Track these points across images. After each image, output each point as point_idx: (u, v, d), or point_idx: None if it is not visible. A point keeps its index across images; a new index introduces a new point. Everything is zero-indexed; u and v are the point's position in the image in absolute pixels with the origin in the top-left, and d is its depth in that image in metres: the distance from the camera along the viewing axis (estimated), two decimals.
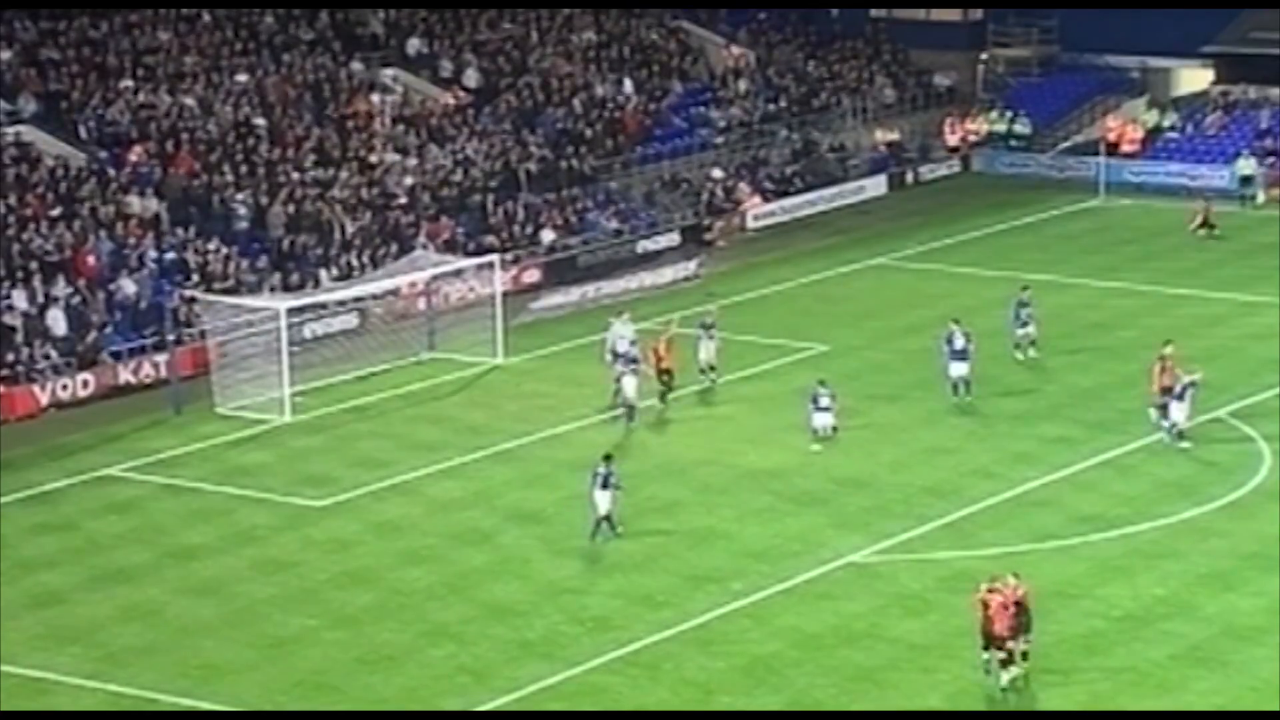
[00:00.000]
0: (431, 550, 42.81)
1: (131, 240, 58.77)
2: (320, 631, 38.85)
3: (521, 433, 49.95)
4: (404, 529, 44.06)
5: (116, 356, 54.63)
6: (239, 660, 37.55)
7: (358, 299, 57.93)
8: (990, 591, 35.22)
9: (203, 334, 54.77)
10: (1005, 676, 35.13)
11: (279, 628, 39.01)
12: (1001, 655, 35.04)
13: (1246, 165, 72.91)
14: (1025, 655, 35.48)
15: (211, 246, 59.49)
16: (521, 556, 42.44)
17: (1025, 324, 54.62)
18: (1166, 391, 47.63)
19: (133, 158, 62.30)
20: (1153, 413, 48.07)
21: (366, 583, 41.12)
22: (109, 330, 55.53)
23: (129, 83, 65.82)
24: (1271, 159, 75.29)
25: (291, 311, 53.22)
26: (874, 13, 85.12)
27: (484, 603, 40.00)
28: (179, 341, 54.93)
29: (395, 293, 58.73)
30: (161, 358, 54.48)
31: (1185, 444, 47.21)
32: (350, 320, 58.20)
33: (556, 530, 43.72)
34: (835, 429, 48.30)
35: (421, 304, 58.76)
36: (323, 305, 57.10)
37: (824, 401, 48.19)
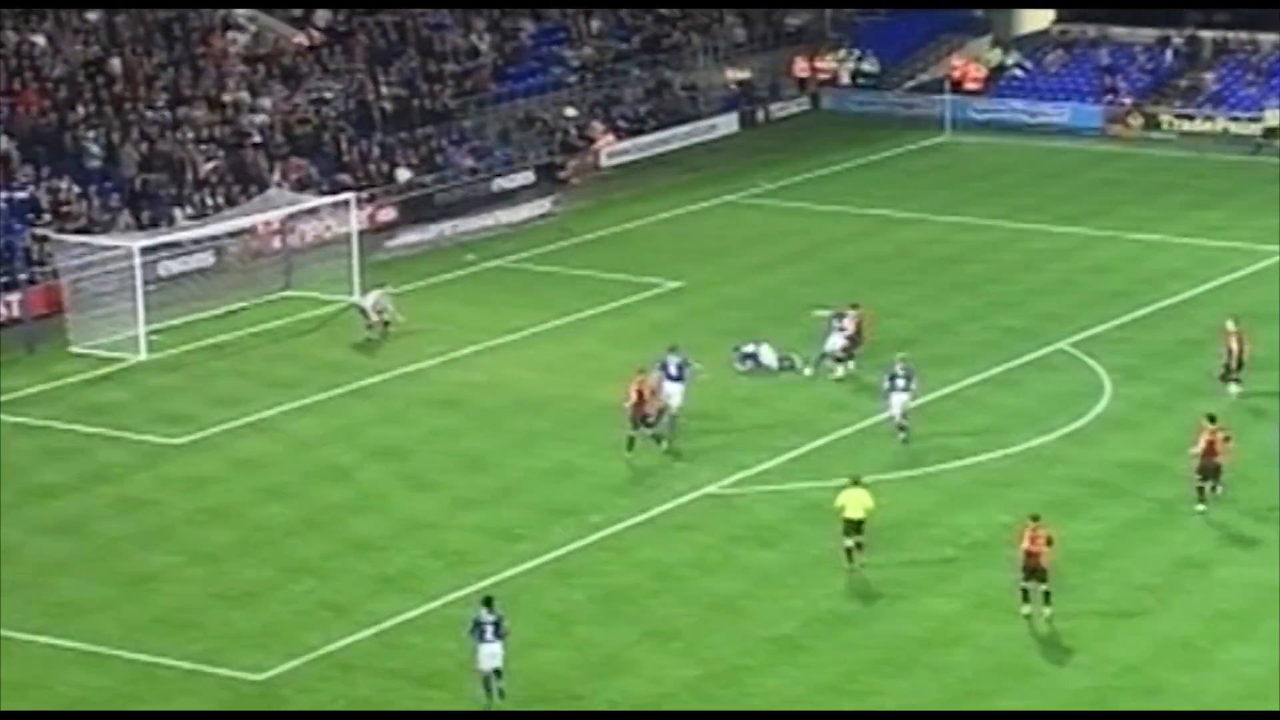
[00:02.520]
0: (290, 486, 43.09)
1: None
2: (179, 568, 39.05)
3: (380, 369, 50.28)
4: (263, 466, 44.27)
5: None
6: (98, 598, 37.68)
7: (213, 237, 57.86)
8: (1035, 530, 36.03)
9: (55, 273, 54.51)
10: (1048, 611, 35.95)
11: (138, 565, 39.17)
12: (1045, 588, 35.93)
13: (1274, 116, 72.48)
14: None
15: (63, 185, 59.11)
16: (380, 492, 42.83)
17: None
18: (1232, 370, 46.55)
19: None
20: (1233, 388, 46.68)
21: (225, 519, 41.34)
22: None
23: None
24: (1110, 96, 76.89)
25: (146, 250, 53.11)
26: None
27: (344, 538, 40.38)
28: (31, 281, 54.71)
29: (251, 231, 58.72)
30: (14, 297, 54.21)
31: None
32: (206, 258, 58.15)
33: (416, 466, 44.13)
34: (905, 427, 44.16)
35: (277, 242, 58.81)
36: (178, 244, 57.00)
37: (900, 382, 44.36)
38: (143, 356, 51.24)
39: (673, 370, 44.99)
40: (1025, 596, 36.17)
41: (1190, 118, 75.34)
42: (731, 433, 45.67)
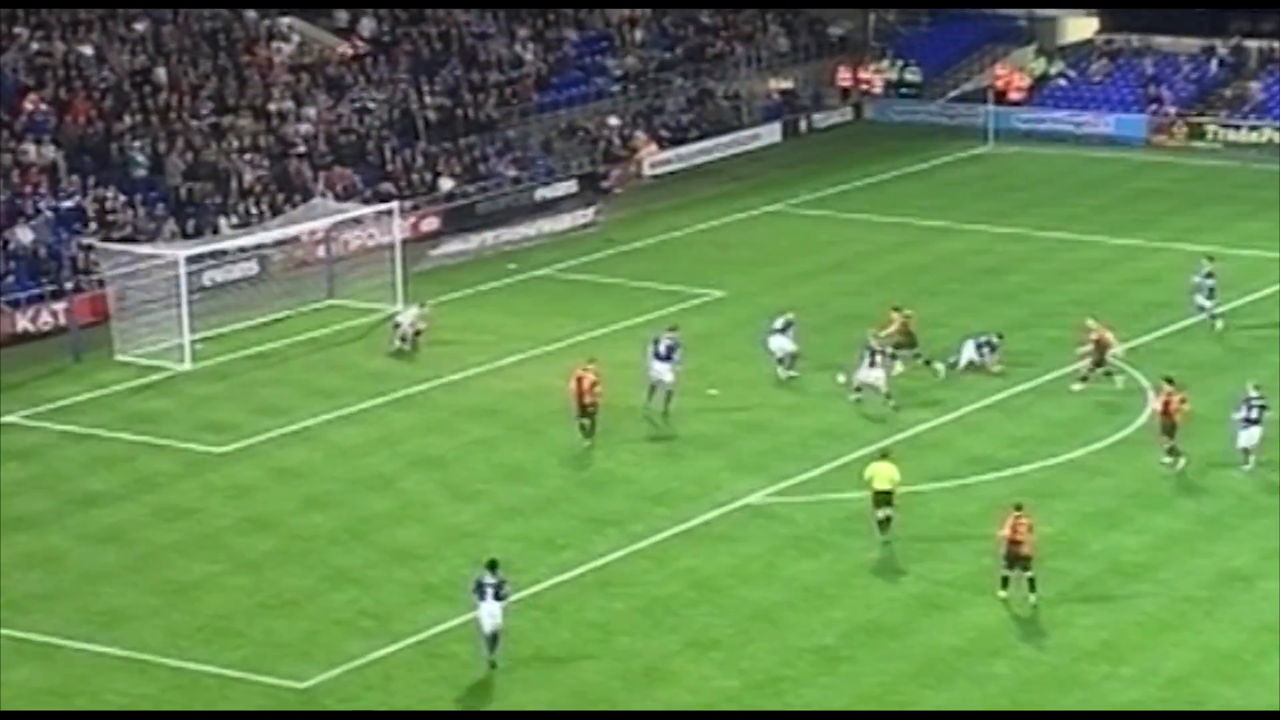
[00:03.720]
0: (333, 496, 43.24)
1: (28, 189, 58.66)
2: (222, 577, 39.22)
3: (422, 379, 50.43)
4: (305, 475, 44.44)
5: (15, 305, 54.62)
6: (141, 606, 37.88)
7: (257, 246, 58.15)
8: (1018, 520, 37.05)
9: (101, 282, 54.84)
10: (1033, 597, 36.99)
11: (181, 573, 39.35)
12: (1029, 575, 36.97)
13: None
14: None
15: (109, 194, 59.47)
16: (422, 501, 42.95)
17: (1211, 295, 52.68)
18: (1099, 363, 48.08)
19: (28, 106, 62.07)
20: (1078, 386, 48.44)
21: (268, 528, 41.52)
22: (7, 279, 55.48)
23: (23, 31, 65.52)
24: (1154, 106, 76.65)
25: (191, 259, 53.37)
26: None
27: (386, 547, 40.50)
28: (77, 289, 55.08)
29: (295, 240, 58.96)
30: (60, 305, 54.57)
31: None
32: (250, 268, 58.43)
33: (457, 475, 44.25)
34: (890, 395, 46.81)
35: (321, 251, 59.05)
36: (222, 253, 57.28)
37: (878, 357, 47.00)
38: (187, 365, 51.49)
39: (661, 350, 46.60)
40: (1005, 583, 37.17)
41: (1235, 127, 75.04)
42: (773, 442, 45.69)
